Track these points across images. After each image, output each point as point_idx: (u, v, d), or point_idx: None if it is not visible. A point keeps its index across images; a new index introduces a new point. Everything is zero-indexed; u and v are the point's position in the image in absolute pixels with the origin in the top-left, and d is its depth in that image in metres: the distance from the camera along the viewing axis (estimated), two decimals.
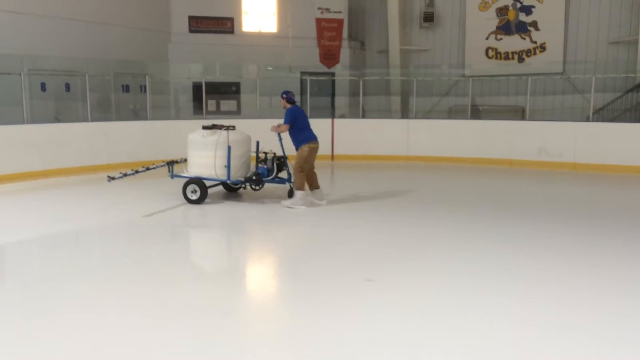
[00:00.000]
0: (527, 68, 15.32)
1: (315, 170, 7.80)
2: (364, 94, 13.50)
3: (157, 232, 6.63)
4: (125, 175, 7.84)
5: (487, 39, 16.06)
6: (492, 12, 15.97)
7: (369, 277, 4.79)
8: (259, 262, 5.85)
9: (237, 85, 15.33)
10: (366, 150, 12.64)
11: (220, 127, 7.87)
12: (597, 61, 14.60)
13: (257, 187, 8.13)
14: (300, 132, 7.57)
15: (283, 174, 7.97)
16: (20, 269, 5.27)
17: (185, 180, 7.83)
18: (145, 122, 11.97)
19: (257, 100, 13.17)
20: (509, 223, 6.84)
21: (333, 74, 16.29)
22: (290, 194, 7.87)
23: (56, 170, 9.94)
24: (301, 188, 7.56)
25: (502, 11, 15.86)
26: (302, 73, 14.45)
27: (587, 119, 12.54)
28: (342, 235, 6.40)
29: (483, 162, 11.83)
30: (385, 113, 15.88)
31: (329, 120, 12.89)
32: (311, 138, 7.58)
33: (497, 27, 15.96)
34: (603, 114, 14.01)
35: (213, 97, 14.61)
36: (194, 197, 7.72)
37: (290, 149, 7.79)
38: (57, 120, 12.02)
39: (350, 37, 17.03)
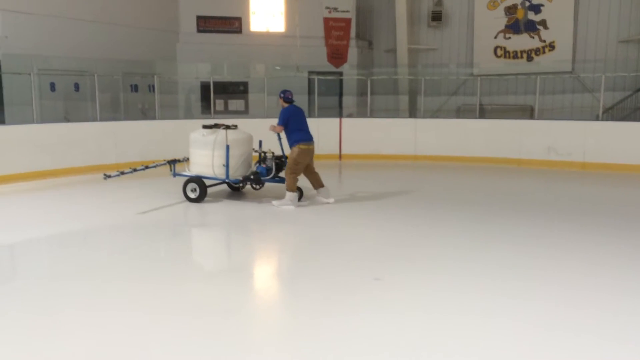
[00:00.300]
0: (535, 67, 15.23)
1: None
2: (371, 94, 13.47)
3: (161, 230, 6.68)
4: (122, 173, 7.91)
5: (495, 37, 16.00)
6: (500, 11, 15.90)
7: (376, 275, 4.79)
8: (263, 260, 5.86)
9: (245, 84, 15.38)
10: (374, 149, 12.62)
11: (220, 126, 7.90)
12: (607, 60, 14.49)
13: (257, 187, 8.22)
14: (293, 133, 7.49)
15: (283, 174, 7.91)
16: (28, 267, 5.33)
17: (185, 178, 7.92)
18: (154, 121, 12.04)
19: (265, 99, 13.19)
20: (516, 222, 6.82)
21: (341, 74, 16.29)
22: None
23: (65, 170, 10.02)
24: (291, 189, 7.47)
25: (510, 10, 15.79)
26: (310, 72, 14.46)
27: (597, 118, 12.45)
28: (347, 233, 6.40)
29: (491, 162, 11.78)
30: (393, 112, 15.84)
31: (337, 120, 12.89)
32: (303, 139, 7.46)
33: (506, 26, 15.89)
34: (612, 113, 13.91)
35: (221, 96, 14.67)
36: (193, 195, 7.78)
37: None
38: (67, 120, 12.11)
39: (358, 36, 17.02)
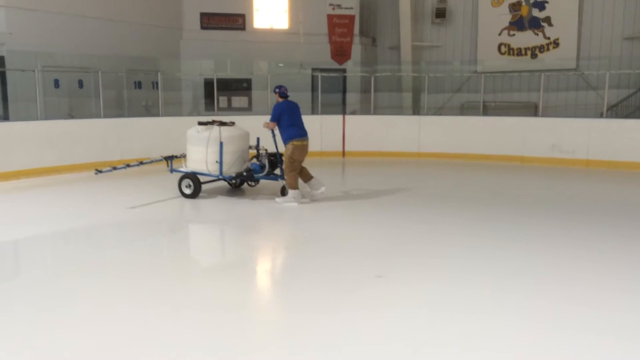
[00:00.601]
0: (540, 64, 15.19)
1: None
2: (375, 91, 13.45)
3: (162, 227, 6.70)
4: (114, 169, 8.02)
5: (499, 34, 15.95)
6: (504, 8, 15.85)
7: (378, 273, 4.79)
8: (265, 258, 5.86)
9: (249, 81, 15.39)
10: (377, 146, 12.61)
11: (215, 122, 7.91)
12: (611, 57, 14.42)
13: (252, 184, 8.25)
14: (286, 129, 7.43)
15: (278, 171, 7.87)
16: (32, 263, 5.35)
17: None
18: (157, 118, 12.05)
19: (269, 96, 13.18)
20: (519, 220, 6.80)
21: (344, 71, 16.28)
22: (283, 192, 7.75)
23: (69, 166, 10.04)
24: (293, 187, 7.43)
25: (515, 7, 15.74)
26: (314, 69, 14.46)
27: (601, 116, 12.43)
28: (350, 230, 6.39)
29: (495, 159, 11.76)
30: (396, 109, 15.84)
31: (340, 117, 12.88)
32: (296, 135, 7.39)
33: (510, 23, 15.84)
34: (617, 111, 13.87)
35: (224, 93, 14.68)
36: (188, 191, 7.80)
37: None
38: (71, 116, 12.14)
39: (361, 33, 17.01)
